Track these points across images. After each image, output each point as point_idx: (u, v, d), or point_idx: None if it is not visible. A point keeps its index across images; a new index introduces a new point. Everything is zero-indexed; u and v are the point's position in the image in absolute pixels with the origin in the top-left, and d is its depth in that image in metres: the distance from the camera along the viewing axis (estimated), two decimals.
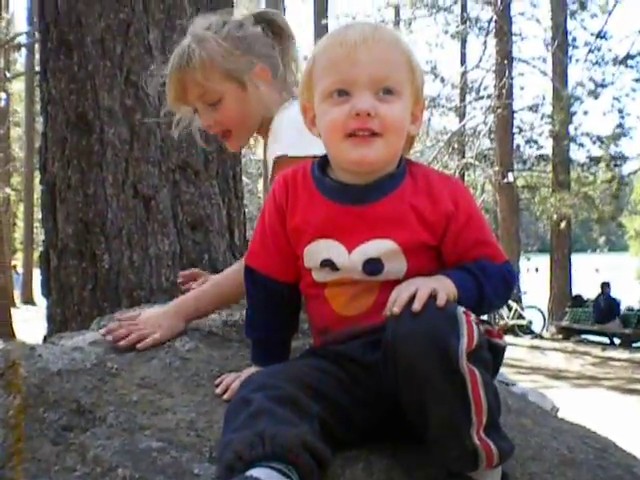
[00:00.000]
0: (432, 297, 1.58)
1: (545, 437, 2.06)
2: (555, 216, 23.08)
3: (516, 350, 17.70)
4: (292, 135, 2.15)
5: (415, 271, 1.76)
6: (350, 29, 1.78)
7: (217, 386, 2.01)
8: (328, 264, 1.83)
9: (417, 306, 1.56)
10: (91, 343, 2.19)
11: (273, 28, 2.65)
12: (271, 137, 2.47)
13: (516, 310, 21.93)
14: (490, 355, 1.64)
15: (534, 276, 26.17)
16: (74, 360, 2.04)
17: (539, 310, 23.17)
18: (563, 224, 23.02)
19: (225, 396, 1.95)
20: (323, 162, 1.88)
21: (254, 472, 1.43)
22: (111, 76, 4.11)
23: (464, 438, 1.57)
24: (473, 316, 1.61)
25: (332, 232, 1.82)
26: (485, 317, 1.91)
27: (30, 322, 20.47)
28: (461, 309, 1.59)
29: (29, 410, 1.82)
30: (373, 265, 1.79)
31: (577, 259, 27.76)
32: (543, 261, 26.07)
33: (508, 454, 1.65)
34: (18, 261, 34.91)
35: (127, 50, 4.12)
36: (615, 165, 24.44)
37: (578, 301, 22.10)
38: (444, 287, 1.64)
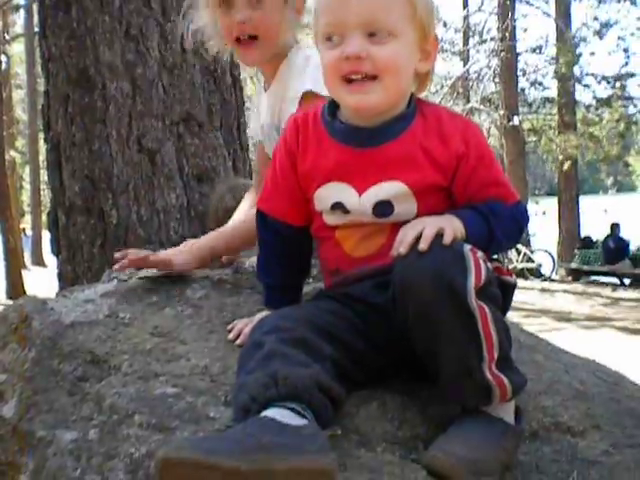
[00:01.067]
0: (439, 236, 1.57)
1: (557, 372, 2.07)
2: (561, 157, 22.98)
3: (526, 293, 17.70)
4: (318, 73, 2.12)
5: (425, 212, 1.75)
6: None
7: (230, 332, 2.02)
8: (339, 207, 1.83)
9: (423, 245, 1.55)
10: (102, 295, 2.19)
11: None
12: (289, 72, 2.42)
13: (525, 253, 21.93)
14: (499, 291, 1.64)
15: (542, 219, 26.10)
16: (86, 312, 2.05)
17: (548, 253, 23.15)
18: (567, 164, 22.91)
19: (238, 341, 1.96)
20: (334, 105, 1.86)
21: (269, 412, 1.44)
22: (110, 31, 4.10)
23: (476, 374, 1.57)
24: (480, 253, 1.60)
25: (343, 175, 1.81)
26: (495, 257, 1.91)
27: (41, 283, 20.60)
28: (468, 246, 1.58)
29: (44, 362, 1.84)
30: (383, 207, 1.78)
31: (585, 201, 27.68)
32: (551, 204, 25.98)
33: (521, 387, 1.66)
34: (27, 224, 35.01)
35: (125, 3, 4.11)
36: (622, 105, 24.26)
37: (587, 243, 22.06)
38: (452, 225, 1.63)
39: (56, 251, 4.34)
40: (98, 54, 4.09)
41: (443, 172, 1.78)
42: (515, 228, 1.85)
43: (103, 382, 1.77)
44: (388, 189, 1.77)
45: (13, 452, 1.70)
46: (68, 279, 4.18)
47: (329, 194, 1.84)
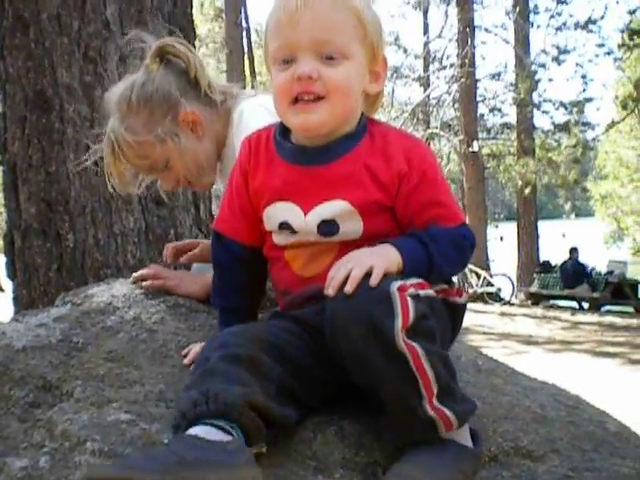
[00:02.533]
0: (368, 275, 1.56)
1: (517, 395, 2.07)
2: (520, 182, 23.21)
3: (486, 317, 17.80)
4: (252, 123, 2.12)
5: (371, 231, 1.77)
6: None
7: (185, 357, 2.01)
8: (286, 227, 1.83)
9: (349, 288, 1.55)
10: (56, 319, 2.16)
11: (175, 55, 2.53)
12: (232, 136, 2.42)
13: (485, 278, 22.07)
14: (434, 323, 1.62)
15: (502, 244, 26.34)
16: (39, 336, 2.02)
17: (507, 277, 23.32)
18: (527, 190, 23.14)
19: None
20: (285, 126, 1.87)
21: (195, 430, 1.45)
22: (69, 52, 4.05)
23: (418, 411, 1.57)
24: (411, 289, 1.59)
25: (289, 195, 1.82)
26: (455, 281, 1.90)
27: None
28: (395, 285, 1.56)
29: None
30: (328, 226, 1.79)
31: (544, 226, 27.97)
32: (511, 229, 26.24)
33: (467, 414, 1.66)
34: None
35: (84, 25, 4.06)
36: (580, 131, 24.57)
37: (546, 267, 22.25)
38: (385, 261, 1.62)
39: (12, 275, 4.28)
40: (56, 76, 4.04)
41: (386, 191, 1.78)
42: (458, 253, 1.82)
43: (55, 408, 1.73)
44: (332, 208, 1.78)
45: None
46: (24, 303, 4.11)
47: (276, 213, 1.84)
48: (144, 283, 2.32)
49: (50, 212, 4.02)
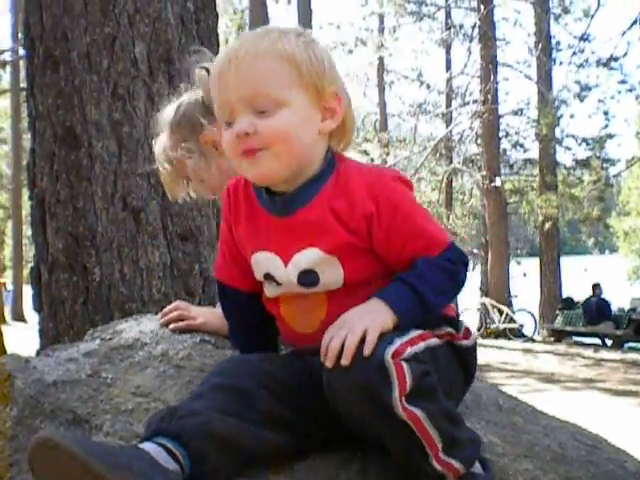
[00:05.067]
0: (363, 341, 1.55)
1: (536, 434, 2.08)
2: (542, 218, 23.15)
3: (508, 354, 17.72)
4: None
5: (353, 277, 1.75)
6: (224, 51, 1.78)
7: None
8: (270, 278, 1.84)
9: (345, 362, 1.53)
10: (85, 354, 2.20)
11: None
12: None
13: (507, 314, 21.97)
14: (435, 379, 1.61)
15: (524, 279, 26.20)
16: (69, 371, 2.06)
17: (530, 313, 23.19)
18: (548, 225, 23.07)
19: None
20: None
21: (146, 445, 1.52)
22: (98, 90, 4.14)
23: (425, 468, 1.60)
24: (407, 350, 1.58)
25: (268, 244, 1.81)
26: (462, 317, 1.91)
27: (21, 339, 20.38)
28: (389, 353, 1.54)
29: (26, 421, 1.84)
30: (307, 276, 1.77)
31: (567, 262, 27.82)
32: (533, 265, 26.11)
33: (474, 455, 1.69)
34: (7, 279, 34.80)
35: (113, 64, 4.15)
36: (601, 167, 24.51)
37: (568, 303, 22.11)
38: (378, 322, 1.60)
39: (38, 307, 4.34)
40: (85, 113, 4.13)
41: (354, 233, 1.74)
42: (449, 279, 1.76)
43: None
44: (307, 257, 1.76)
45: None
46: (49, 336, 4.16)
47: (260, 263, 1.85)
48: (170, 326, 2.36)
49: (77, 246, 4.09)
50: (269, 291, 1.87)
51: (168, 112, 2.66)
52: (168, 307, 2.46)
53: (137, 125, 4.12)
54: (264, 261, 1.83)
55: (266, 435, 1.64)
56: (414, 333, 1.64)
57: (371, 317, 1.61)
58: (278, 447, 1.67)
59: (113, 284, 4.03)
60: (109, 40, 4.17)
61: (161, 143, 2.63)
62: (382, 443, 1.63)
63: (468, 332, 1.83)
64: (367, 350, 1.53)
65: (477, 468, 1.70)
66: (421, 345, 1.63)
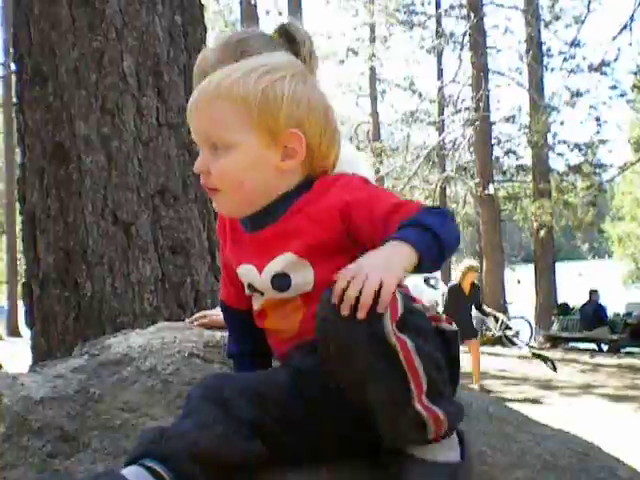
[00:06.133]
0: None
1: (527, 443, 2.07)
2: (536, 224, 23.20)
3: (504, 361, 17.72)
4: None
5: (324, 280, 1.67)
6: (201, 83, 1.82)
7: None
8: (252, 288, 1.86)
9: (362, 315, 1.48)
10: (73, 370, 2.19)
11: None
12: None
13: (502, 321, 21.97)
14: (428, 323, 1.62)
15: (519, 286, 26.26)
16: (56, 387, 2.05)
17: (525, 320, 23.21)
18: (543, 232, 23.12)
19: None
20: None
21: (128, 470, 1.52)
22: (87, 105, 4.14)
23: (407, 409, 1.54)
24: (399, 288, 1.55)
25: (247, 257, 1.85)
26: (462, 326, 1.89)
27: (16, 354, 20.34)
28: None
29: (13, 438, 1.83)
30: (280, 280, 1.78)
31: (562, 267, 27.87)
32: (528, 271, 26.16)
33: (458, 418, 1.65)
34: (1, 294, 34.75)
35: (102, 78, 4.16)
36: (594, 173, 24.59)
37: (564, 309, 22.16)
38: (395, 272, 1.54)
39: (30, 323, 4.33)
40: (74, 128, 4.13)
41: (329, 230, 1.74)
42: (445, 220, 1.70)
43: (72, 459, 1.76)
44: (280, 261, 1.77)
45: None
46: (41, 351, 4.16)
47: (244, 275, 1.88)
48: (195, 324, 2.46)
49: (68, 261, 4.09)
50: (255, 304, 1.89)
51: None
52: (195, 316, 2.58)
53: (126, 139, 4.12)
54: (246, 273, 1.86)
55: (253, 446, 1.64)
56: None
57: (391, 269, 1.54)
58: (265, 458, 1.66)
59: (105, 298, 4.03)
60: (97, 54, 4.17)
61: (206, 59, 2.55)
62: (362, 392, 1.57)
63: (449, 320, 1.78)
64: (381, 307, 1.49)
65: (456, 453, 1.66)
66: (417, 305, 1.63)
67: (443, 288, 20.73)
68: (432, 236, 1.62)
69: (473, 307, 13.54)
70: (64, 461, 1.76)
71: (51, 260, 4.13)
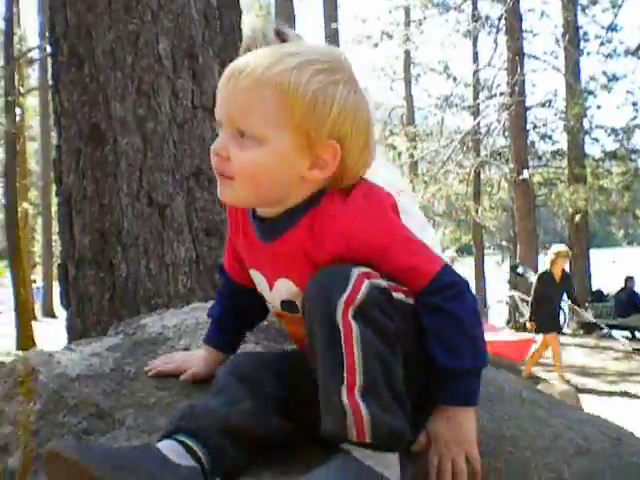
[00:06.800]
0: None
1: (560, 427, 2.07)
2: (571, 210, 23.02)
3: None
4: None
5: None
6: (239, 58, 1.64)
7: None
8: (262, 297, 1.85)
9: None
10: (109, 348, 2.22)
11: None
12: None
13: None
14: (389, 321, 1.53)
15: None
16: (92, 365, 2.07)
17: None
18: (578, 217, 22.94)
19: (149, 374, 2.06)
20: None
21: (163, 444, 1.55)
22: (122, 87, 4.16)
23: (334, 394, 1.49)
24: (379, 281, 1.54)
25: (258, 264, 1.80)
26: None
27: (51, 335, 20.57)
28: (360, 269, 1.54)
29: (49, 415, 1.86)
30: (289, 305, 1.75)
31: (596, 254, 27.65)
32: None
33: (389, 433, 1.49)
34: (37, 275, 35.12)
35: (137, 60, 4.17)
36: (629, 159, 24.34)
37: (598, 296, 21.99)
38: (471, 436, 1.65)
39: (66, 303, 4.37)
40: (110, 109, 4.15)
41: (330, 259, 1.63)
42: (467, 308, 1.64)
43: (107, 435, 1.79)
44: (285, 288, 1.73)
45: None
46: (77, 332, 4.19)
47: (255, 281, 1.84)
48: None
49: (103, 242, 4.11)
50: (269, 305, 1.88)
51: None
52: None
53: (162, 121, 4.14)
54: (257, 278, 1.83)
55: (280, 422, 1.67)
56: (394, 284, 1.61)
57: (467, 439, 1.65)
58: (290, 433, 1.69)
59: (139, 280, 4.06)
60: (133, 36, 4.18)
61: None
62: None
63: (407, 292, 1.66)
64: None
65: (390, 469, 1.52)
66: (397, 293, 1.60)
67: (533, 277, 20.16)
68: (476, 374, 1.66)
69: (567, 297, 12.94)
70: (99, 438, 1.78)
71: (87, 241, 4.16)
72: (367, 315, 1.50)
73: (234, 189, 1.63)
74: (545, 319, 12.05)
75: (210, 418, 1.58)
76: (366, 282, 1.51)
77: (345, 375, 1.48)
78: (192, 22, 4.28)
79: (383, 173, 2.52)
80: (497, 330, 15.03)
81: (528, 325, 12.82)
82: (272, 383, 1.70)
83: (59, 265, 4.47)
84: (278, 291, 1.76)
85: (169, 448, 1.53)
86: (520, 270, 20.49)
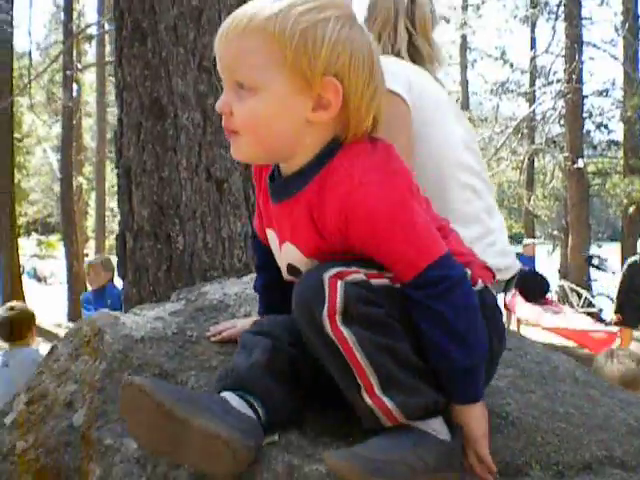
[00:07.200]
0: None
1: (612, 407, 2.09)
2: (625, 201, 22.71)
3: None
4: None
5: None
6: (232, 13, 1.61)
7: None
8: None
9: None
10: (171, 313, 2.28)
11: None
12: None
13: (586, 298, 21.65)
14: (377, 308, 1.54)
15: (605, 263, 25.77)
16: (156, 328, 2.14)
17: (609, 297, 22.80)
18: (632, 208, 22.62)
19: (212, 339, 2.13)
20: None
21: (226, 394, 1.63)
22: (184, 62, 4.21)
23: (357, 400, 1.56)
24: (352, 275, 1.54)
25: (271, 222, 1.80)
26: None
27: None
28: (329, 273, 1.53)
29: (114, 374, 1.92)
30: (293, 270, 1.76)
31: None
32: (614, 250, 25.63)
33: (420, 408, 1.56)
34: (90, 249, 35.53)
35: (200, 36, 4.22)
36: None
37: None
38: (485, 434, 1.67)
39: (122, 274, 4.45)
40: (171, 84, 4.21)
41: (328, 241, 1.64)
42: (459, 310, 1.60)
43: None
44: (291, 253, 1.74)
45: (81, 459, 1.77)
46: (133, 301, 4.27)
47: (269, 239, 1.86)
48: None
49: (162, 215, 4.18)
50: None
51: None
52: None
53: None
54: (270, 239, 1.85)
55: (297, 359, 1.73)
56: (375, 270, 1.59)
57: (469, 434, 1.65)
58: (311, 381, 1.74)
59: (196, 252, 4.12)
60: (196, 13, 4.23)
61: None
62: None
63: (380, 274, 1.62)
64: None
65: (438, 431, 1.59)
66: (379, 280, 1.58)
67: (612, 267, 19.69)
68: (473, 371, 1.63)
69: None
70: None
71: (145, 213, 4.23)
72: (353, 315, 1.51)
73: (241, 145, 1.62)
74: (633, 312, 11.51)
75: (250, 371, 1.65)
76: (340, 284, 1.52)
77: (359, 380, 1.53)
78: None
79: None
80: (564, 311, 14.65)
81: (614, 317, 12.30)
82: (285, 338, 1.74)
83: (117, 236, 4.55)
84: (285, 254, 1.77)
85: (229, 397, 1.61)
86: (595, 261, 20.03)
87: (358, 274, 1.55)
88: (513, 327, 14.51)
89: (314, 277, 1.55)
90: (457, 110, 2.57)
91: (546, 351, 2.35)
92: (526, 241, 18.84)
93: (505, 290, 2.47)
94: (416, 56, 2.64)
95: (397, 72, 2.40)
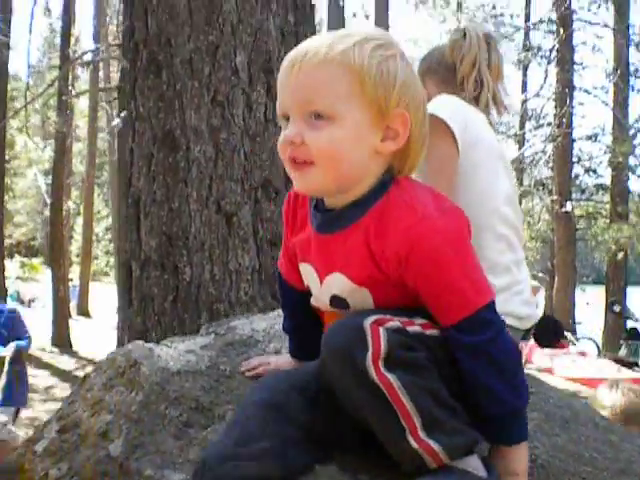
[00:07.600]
0: None
1: (632, 452, 2.13)
2: (613, 247, 22.85)
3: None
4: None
5: (382, 302, 1.70)
6: (296, 48, 1.66)
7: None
8: (309, 291, 1.88)
9: None
10: (202, 347, 2.30)
11: None
12: None
13: (570, 341, 21.71)
14: (417, 353, 1.57)
15: (587, 307, 25.84)
16: (189, 362, 2.16)
17: (593, 341, 22.87)
18: (620, 255, 22.77)
19: (247, 373, 2.13)
20: None
21: None
22: (198, 96, 4.27)
23: (402, 443, 1.56)
24: (390, 323, 1.57)
25: (310, 257, 1.81)
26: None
27: (85, 334, 20.80)
28: (371, 319, 1.56)
29: (151, 406, 1.94)
30: (338, 301, 1.76)
31: (632, 292, 27.41)
32: (598, 293, 25.76)
33: (461, 448, 1.59)
34: (74, 274, 35.39)
35: (215, 71, 4.27)
36: None
37: (633, 334, 21.79)
38: (523, 470, 1.70)
39: (127, 303, 4.47)
40: (185, 117, 4.26)
41: (384, 272, 1.66)
42: (506, 348, 1.64)
43: (208, 429, 1.87)
44: (338, 283, 1.74)
45: None
46: (137, 330, 4.29)
47: (304, 274, 1.87)
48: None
49: (170, 246, 4.21)
50: (312, 300, 1.90)
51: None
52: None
53: (234, 132, 4.24)
54: (306, 272, 1.85)
55: (308, 448, 1.70)
56: (406, 318, 1.62)
57: (514, 468, 1.68)
58: (319, 460, 1.73)
59: (203, 284, 4.15)
60: (212, 48, 4.29)
61: None
62: (366, 422, 1.62)
63: (432, 325, 1.67)
64: None
65: (477, 468, 1.61)
66: (412, 327, 1.61)
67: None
68: (521, 412, 1.68)
69: None
70: (200, 431, 1.87)
71: (153, 243, 4.26)
72: (396, 360, 1.55)
73: (313, 175, 1.63)
74: None
75: (222, 471, 1.60)
76: (382, 330, 1.55)
77: (404, 423, 1.55)
78: (269, 37, 4.38)
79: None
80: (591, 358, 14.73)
81: None
82: (300, 406, 1.72)
83: (123, 264, 4.57)
84: (328, 286, 1.77)
85: None
86: (616, 308, 20.04)
87: (394, 322, 1.59)
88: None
89: (353, 324, 1.57)
90: (507, 163, 2.61)
91: (568, 396, 2.39)
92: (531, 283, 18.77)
93: (524, 338, 2.50)
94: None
95: (456, 110, 2.45)
